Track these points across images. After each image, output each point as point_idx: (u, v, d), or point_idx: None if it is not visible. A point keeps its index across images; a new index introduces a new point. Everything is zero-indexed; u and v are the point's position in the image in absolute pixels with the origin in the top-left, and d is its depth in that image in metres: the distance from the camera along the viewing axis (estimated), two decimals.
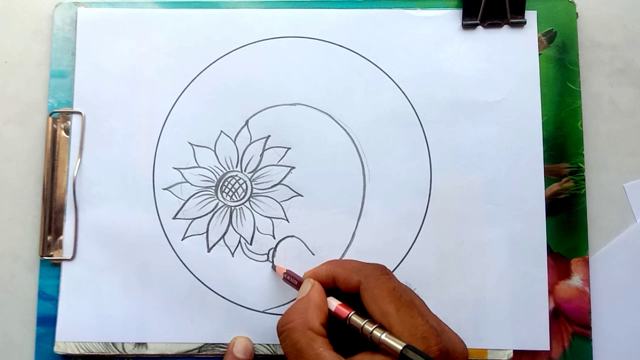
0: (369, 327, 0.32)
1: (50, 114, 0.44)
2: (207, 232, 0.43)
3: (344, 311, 0.34)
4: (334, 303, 0.35)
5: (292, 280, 0.40)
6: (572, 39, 0.44)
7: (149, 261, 0.42)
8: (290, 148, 0.43)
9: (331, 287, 0.37)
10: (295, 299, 0.39)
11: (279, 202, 0.43)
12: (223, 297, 0.42)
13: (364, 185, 0.43)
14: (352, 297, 0.35)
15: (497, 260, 0.42)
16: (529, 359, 0.41)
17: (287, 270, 0.41)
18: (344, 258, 0.42)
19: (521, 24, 0.44)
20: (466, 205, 0.42)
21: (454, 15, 0.44)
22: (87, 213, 0.43)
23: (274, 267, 0.42)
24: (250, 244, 0.42)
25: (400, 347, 0.31)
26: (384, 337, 0.32)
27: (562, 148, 0.43)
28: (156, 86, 0.44)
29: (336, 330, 0.34)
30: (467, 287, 0.42)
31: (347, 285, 0.35)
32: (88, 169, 0.43)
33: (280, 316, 0.41)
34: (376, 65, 0.44)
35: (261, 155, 0.43)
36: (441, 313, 0.41)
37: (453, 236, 0.42)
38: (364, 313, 0.34)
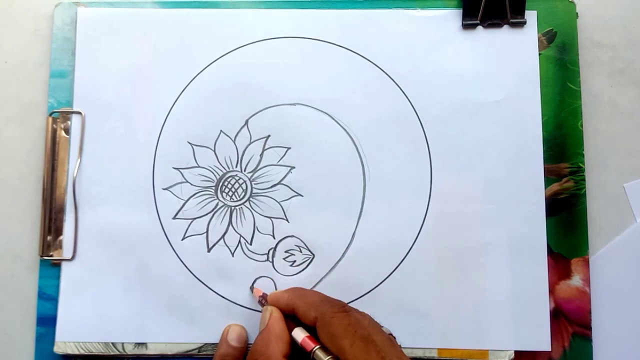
0: None
1: (50, 114, 0.44)
2: (207, 232, 0.42)
3: (309, 344, 0.35)
4: (301, 334, 0.36)
5: (265, 304, 0.40)
6: (572, 39, 0.44)
7: (148, 261, 0.42)
8: (290, 148, 0.43)
9: (292, 314, 0.37)
10: None
11: (278, 202, 0.43)
12: (223, 297, 0.42)
13: (364, 185, 0.43)
14: None
15: (498, 260, 0.42)
16: (529, 359, 0.41)
17: (263, 293, 0.41)
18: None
19: (521, 24, 0.44)
20: (466, 206, 0.42)
21: (454, 15, 0.44)
22: (87, 213, 0.43)
23: (251, 289, 0.42)
24: (250, 244, 0.42)
25: None
26: None
27: (562, 148, 0.43)
28: (156, 86, 0.44)
29: (303, 357, 0.35)
30: (468, 287, 0.42)
31: (305, 319, 0.36)
32: (88, 169, 0.43)
33: None
34: (376, 65, 0.44)
35: (261, 155, 0.43)
36: (441, 314, 0.41)
37: (453, 236, 0.42)
38: None
